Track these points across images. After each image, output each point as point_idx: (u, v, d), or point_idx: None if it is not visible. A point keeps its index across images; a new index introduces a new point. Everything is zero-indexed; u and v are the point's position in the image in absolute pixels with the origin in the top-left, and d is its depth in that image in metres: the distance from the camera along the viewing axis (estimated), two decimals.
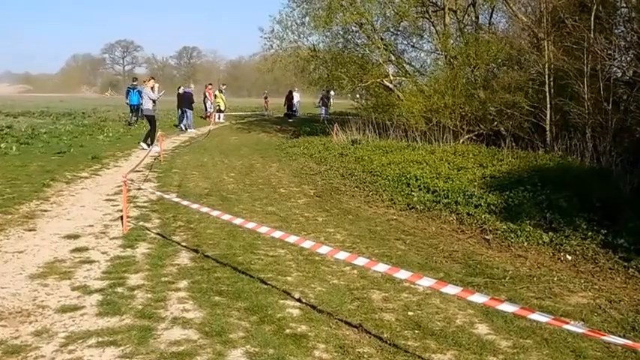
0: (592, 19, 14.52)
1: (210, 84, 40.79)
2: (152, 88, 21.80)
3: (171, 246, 8.42)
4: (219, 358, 4.95)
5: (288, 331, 5.55)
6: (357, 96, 29.28)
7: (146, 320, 5.66)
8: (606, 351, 5.33)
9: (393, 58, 24.68)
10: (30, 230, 8.95)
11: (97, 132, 25.96)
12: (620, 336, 4.21)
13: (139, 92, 31.50)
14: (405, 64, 24.92)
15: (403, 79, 24.48)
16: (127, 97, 32.18)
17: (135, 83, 32.46)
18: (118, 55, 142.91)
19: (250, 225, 7.00)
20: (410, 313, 6.12)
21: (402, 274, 5.05)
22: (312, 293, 6.65)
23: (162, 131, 20.26)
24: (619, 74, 15.35)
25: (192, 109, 31.06)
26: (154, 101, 21.84)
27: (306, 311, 6.07)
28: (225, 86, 44.46)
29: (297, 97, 44.53)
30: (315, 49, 27.32)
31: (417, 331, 5.64)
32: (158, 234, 9.07)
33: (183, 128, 30.52)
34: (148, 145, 20.13)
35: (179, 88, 32.30)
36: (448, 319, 5.98)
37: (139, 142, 21.34)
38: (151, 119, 21.68)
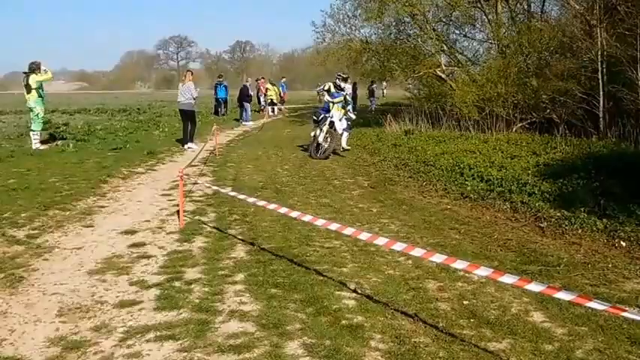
0: None
1: (263, 77, 41.04)
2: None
3: (227, 239, 8.51)
4: (277, 350, 5.00)
5: (344, 322, 5.57)
6: (410, 86, 29.20)
7: (203, 314, 5.75)
8: None
9: (445, 48, 24.61)
10: (88, 226, 9.12)
11: (152, 127, 26.30)
12: None
13: (225, 87, 34.45)
14: (457, 54, 24.85)
15: (455, 68, 24.39)
16: (215, 92, 35.28)
17: (221, 79, 35.55)
18: (172, 50, 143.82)
19: (307, 218, 7.04)
20: (465, 302, 6.11)
21: (459, 264, 5.08)
22: (367, 284, 6.68)
23: (217, 125, 20.37)
24: None
25: (249, 102, 31.53)
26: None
27: (361, 302, 6.10)
28: (284, 79, 45.19)
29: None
30: (367, 41, 27.38)
31: (472, 320, 5.64)
32: (214, 227, 9.18)
33: (241, 122, 31.27)
34: (194, 144, 19.59)
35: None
36: (503, 308, 5.96)
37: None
38: (191, 115, 20.13)
